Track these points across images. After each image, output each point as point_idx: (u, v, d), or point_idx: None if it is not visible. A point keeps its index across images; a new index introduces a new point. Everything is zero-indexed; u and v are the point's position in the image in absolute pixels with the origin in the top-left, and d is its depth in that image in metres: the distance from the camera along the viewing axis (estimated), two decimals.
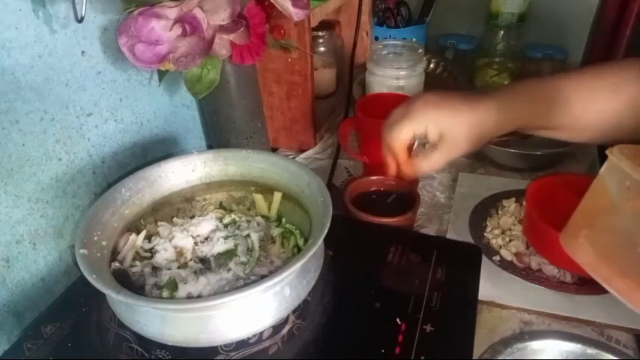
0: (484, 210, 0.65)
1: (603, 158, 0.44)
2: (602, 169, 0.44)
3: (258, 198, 0.54)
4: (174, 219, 0.53)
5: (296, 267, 0.39)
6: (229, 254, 0.46)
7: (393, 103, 0.70)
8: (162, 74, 0.58)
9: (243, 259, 0.46)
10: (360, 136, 0.70)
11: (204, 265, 0.46)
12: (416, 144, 0.74)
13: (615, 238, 0.43)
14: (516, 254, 0.57)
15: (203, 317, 0.39)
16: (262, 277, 0.42)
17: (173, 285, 0.43)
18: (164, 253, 0.47)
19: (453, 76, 0.99)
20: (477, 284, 0.50)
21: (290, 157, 0.78)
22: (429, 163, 0.53)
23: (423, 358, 0.42)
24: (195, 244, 0.48)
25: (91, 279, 0.38)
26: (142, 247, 0.48)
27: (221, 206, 0.55)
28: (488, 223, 0.63)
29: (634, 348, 0.48)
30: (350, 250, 0.53)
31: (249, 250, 0.47)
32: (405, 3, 1.11)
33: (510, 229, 0.61)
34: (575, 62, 1.05)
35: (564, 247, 0.48)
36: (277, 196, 0.53)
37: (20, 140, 0.46)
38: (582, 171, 0.74)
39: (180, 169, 0.53)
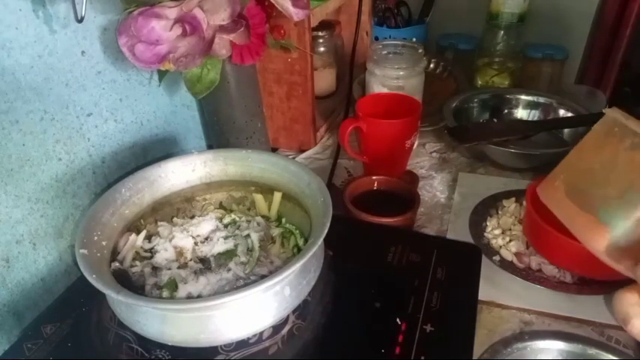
0: (484, 210, 0.65)
1: None
2: (596, 125, 0.46)
3: (258, 198, 0.54)
4: (174, 219, 0.53)
5: (296, 267, 0.39)
6: (229, 254, 0.46)
7: (393, 103, 0.71)
8: (162, 74, 0.58)
9: (243, 259, 0.46)
10: (360, 136, 0.70)
11: (204, 265, 0.46)
12: (415, 143, 0.74)
13: (589, 177, 0.45)
14: (516, 254, 0.57)
15: (203, 317, 0.39)
16: (262, 277, 0.42)
17: (173, 285, 0.43)
18: (164, 253, 0.47)
19: (453, 76, 0.99)
20: (477, 284, 0.50)
21: (290, 157, 0.78)
22: None
23: (423, 358, 0.42)
24: (195, 244, 0.48)
25: (91, 279, 0.38)
26: (142, 247, 0.48)
27: (221, 206, 0.55)
28: (488, 223, 0.63)
29: (634, 348, 0.48)
30: (350, 250, 0.53)
31: (249, 250, 0.47)
32: (405, 3, 1.11)
33: (510, 229, 0.61)
34: (575, 62, 1.05)
35: (540, 193, 0.50)
36: (277, 196, 0.53)
37: (20, 140, 0.46)
38: None
39: (180, 169, 0.53)
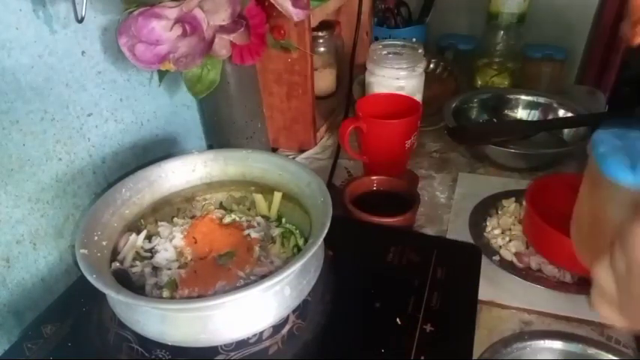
0: (484, 210, 0.65)
1: None
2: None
3: (258, 198, 0.54)
4: (175, 219, 0.53)
5: (296, 267, 0.39)
6: (229, 254, 0.46)
7: (393, 103, 0.71)
8: (162, 74, 0.58)
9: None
10: (360, 136, 0.70)
11: None
12: (415, 143, 0.74)
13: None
14: (516, 254, 0.57)
15: (203, 317, 0.39)
16: (262, 277, 0.42)
17: (173, 285, 0.43)
18: (164, 253, 0.47)
19: (453, 76, 0.99)
20: (476, 284, 0.50)
21: (290, 157, 0.78)
22: None
23: (422, 358, 0.42)
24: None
25: (92, 279, 0.38)
26: (142, 247, 0.48)
27: (221, 206, 0.55)
28: (488, 223, 0.63)
29: (634, 348, 0.48)
30: (350, 250, 0.53)
31: (249, 250, 0.47)
32: (405, 3, 1.11)
33: (510, 229, 0.61)
34: (575, 62, 1.05)
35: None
36: (277, 196, 0.53)
37: (20, 140, 0.47)
38: (582, 171, 0.74)
39: (180, 169, 0.53)
